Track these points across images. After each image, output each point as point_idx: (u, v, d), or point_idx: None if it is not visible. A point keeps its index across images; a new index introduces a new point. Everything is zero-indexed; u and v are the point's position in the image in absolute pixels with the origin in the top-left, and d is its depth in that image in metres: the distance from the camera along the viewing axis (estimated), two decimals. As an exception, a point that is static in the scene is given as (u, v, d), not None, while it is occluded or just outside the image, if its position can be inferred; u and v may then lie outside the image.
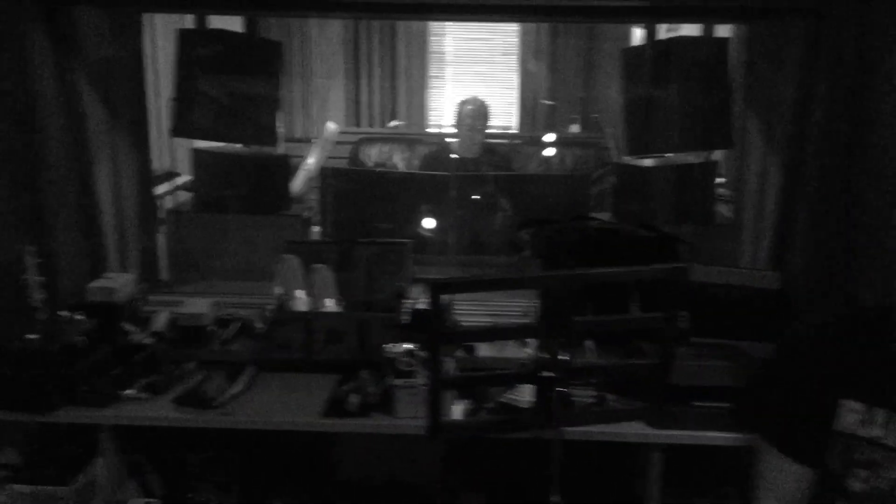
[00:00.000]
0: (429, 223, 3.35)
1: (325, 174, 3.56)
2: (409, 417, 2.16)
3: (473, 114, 4.06)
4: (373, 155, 5.30)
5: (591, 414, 1.97)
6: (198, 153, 3.34)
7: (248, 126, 3.16)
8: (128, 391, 2.25)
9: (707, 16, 2.89)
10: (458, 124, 4.11)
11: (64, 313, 2.34)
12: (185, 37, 3.06)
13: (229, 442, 2.44)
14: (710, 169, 3.17)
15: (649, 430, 2.09)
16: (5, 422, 2.20)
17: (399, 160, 5.24)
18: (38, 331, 2.25)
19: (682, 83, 2.98)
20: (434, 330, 1.74)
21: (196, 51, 3.06)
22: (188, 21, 3.34)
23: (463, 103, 4.11)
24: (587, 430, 2.02)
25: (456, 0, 2.66)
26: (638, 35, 5.49)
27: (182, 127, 3.10)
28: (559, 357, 1.81)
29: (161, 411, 2.20)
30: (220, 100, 3.09)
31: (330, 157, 5.04)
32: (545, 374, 1.80)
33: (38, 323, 2.28)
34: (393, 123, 5.75)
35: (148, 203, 2.97)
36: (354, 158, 5.27)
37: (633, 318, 1.94)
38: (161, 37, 3.80)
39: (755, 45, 2.81)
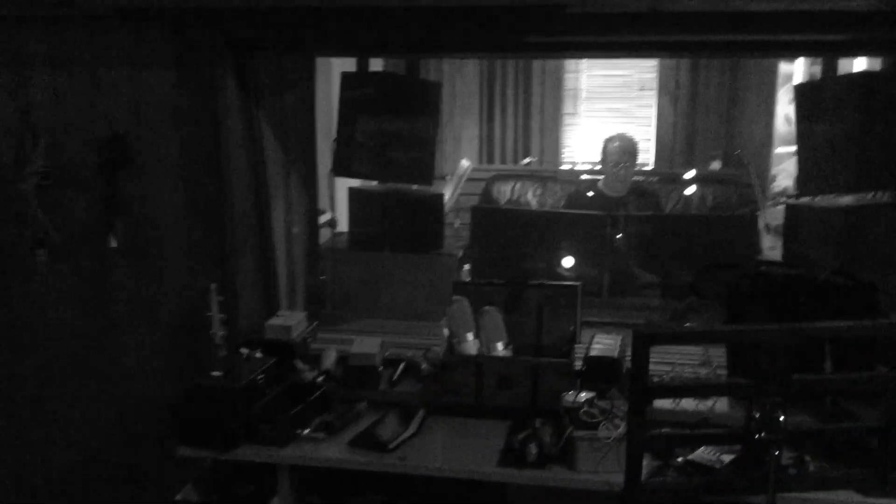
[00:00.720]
0: (581, 263, 3.26)
1: (478, 213, 3.54)
2: (591, 472, 2.06)
3: (621, 151, 3.96)
4: (506, 192, 5.27)
5: (806, 480, 1.81)
6: (353, 192, 3.40)
7: (405, 165, 3.19)
8: (304, 431, 2.26)
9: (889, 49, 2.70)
10: (605, 162, 4.01)
11: (244, 350, 2.39)
12: (348, 79, 3.13)
13: (399, 485, 2.41)
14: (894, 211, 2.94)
15: (862, 499, 1.90)
16: (187, 458, 2.25)
17: (532, 198, 5.18)
18: (221, 368, 2.30)
19: (864, 119, 2.79)
20: (640, 383, 1.64)
21: (358, 92, 3.12)
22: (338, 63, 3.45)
23: (610, 140, 4.02)
24: (791, 496, 1.86)
25: (597, 37, 2.60)
26: (783, 69, 5.26)
27: (343, 166, 3.15)
28: (776, 417, 1.69)
29: (338, 453, 2.20)
30: (380, 140, 3.13)
31: (462, 194, 5.05)
32: (763, 435, 1.67)
33: (220, 360, 2.34)
34: (526, 161, 5.71)
35: (314, 242, 3.03)
36: (487, 195, 5.26)
37: (868, 377, 1.77)
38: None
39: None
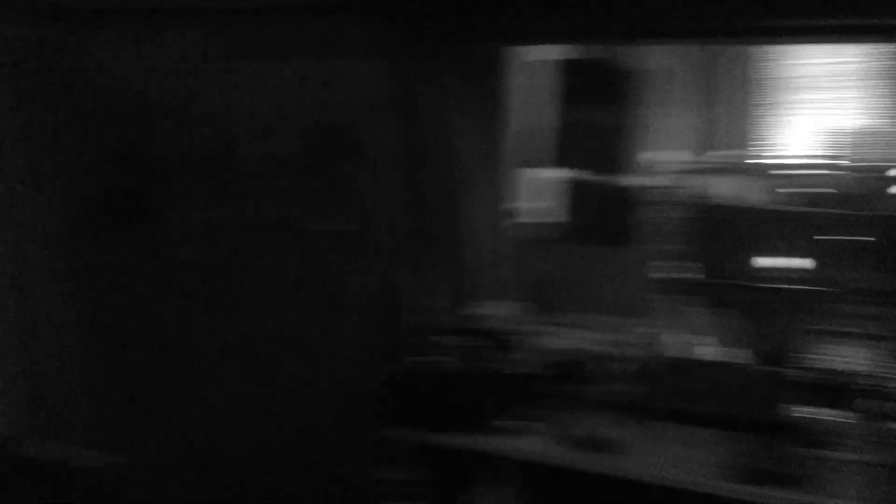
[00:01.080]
0: (814, 266, 2.97)
1: (698, 208, 3.35)
2: (828, 498, 1.85)
3: (860, 145, 3.63)
4: (699, 186, 4.99)
5: None
6: (550, 182, 3.32)
7: (611, 155, 3.09)
8: (507, 422, 2.21)
9: None
10: (826, 157, 3.69)
11: (445, 338, 2.38)
12: (558, 68, 3.05)
13: (596, 488, 2.30)
14: None
15: None
16: (391, 439, 2.27)
17: (748, 192, 4.87)
18: (424, 354, 2.31)
19: None
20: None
21: (566, 81, 3.05)
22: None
23: (833, 133, 3.69)
24: None
25: (826, 21, 2.35)
26: None
27: (552, 156, 3.08)
28: None
29: (542, 447, 2.14)
30: (588, 129, 3.04)
31: (654, 188, 4.82)
32: None
33: (423, 347, 2.35)
34: (722, 153, 5.38)
35: (508, 231, 2.98)
36: (678, 189, 5.01)
37: None
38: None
39: None
